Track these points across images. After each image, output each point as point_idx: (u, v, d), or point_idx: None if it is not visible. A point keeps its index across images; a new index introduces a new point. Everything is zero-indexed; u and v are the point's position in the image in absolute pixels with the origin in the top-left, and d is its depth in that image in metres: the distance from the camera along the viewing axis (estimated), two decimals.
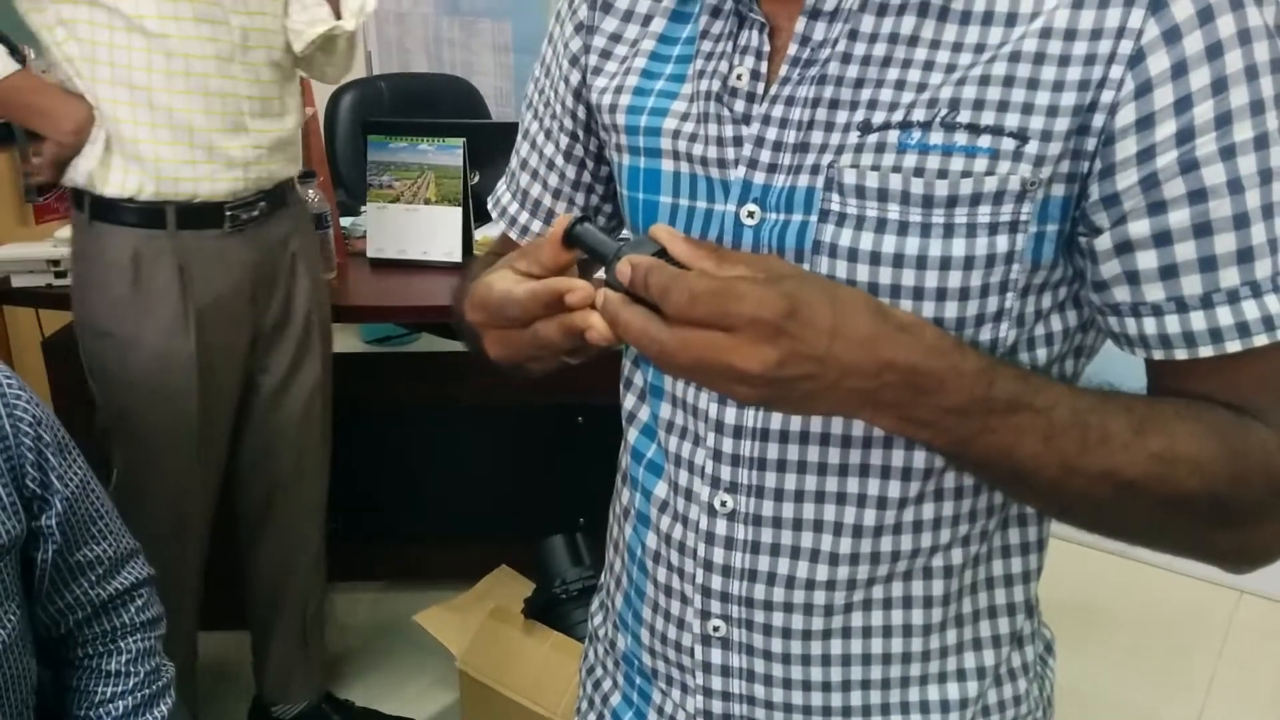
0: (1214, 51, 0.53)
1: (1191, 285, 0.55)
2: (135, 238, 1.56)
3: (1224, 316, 0.55)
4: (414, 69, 3.56)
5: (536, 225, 0.80)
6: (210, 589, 1.86)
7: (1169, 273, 0.56)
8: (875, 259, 0.58)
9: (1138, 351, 0.59)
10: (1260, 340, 0.55)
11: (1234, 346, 0.55)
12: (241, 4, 1.56)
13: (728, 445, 0.66)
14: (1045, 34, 0.55)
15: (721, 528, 0.67)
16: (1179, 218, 0.54)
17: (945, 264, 0.57)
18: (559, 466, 2.32)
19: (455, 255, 2.11)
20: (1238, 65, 0.53)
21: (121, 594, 1.07)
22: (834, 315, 0.50)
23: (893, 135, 0.58)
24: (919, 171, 0.57)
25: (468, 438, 2.28)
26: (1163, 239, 0.55)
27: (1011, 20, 0.57)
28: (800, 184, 0.60)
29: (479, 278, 0.64)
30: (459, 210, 2.12)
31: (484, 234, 2.24)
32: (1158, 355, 0.58)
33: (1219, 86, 0.53)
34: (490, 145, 2.31)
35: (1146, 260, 0.56)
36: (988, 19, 0.57)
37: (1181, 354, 0.57)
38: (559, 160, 0.77)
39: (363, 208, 2.31)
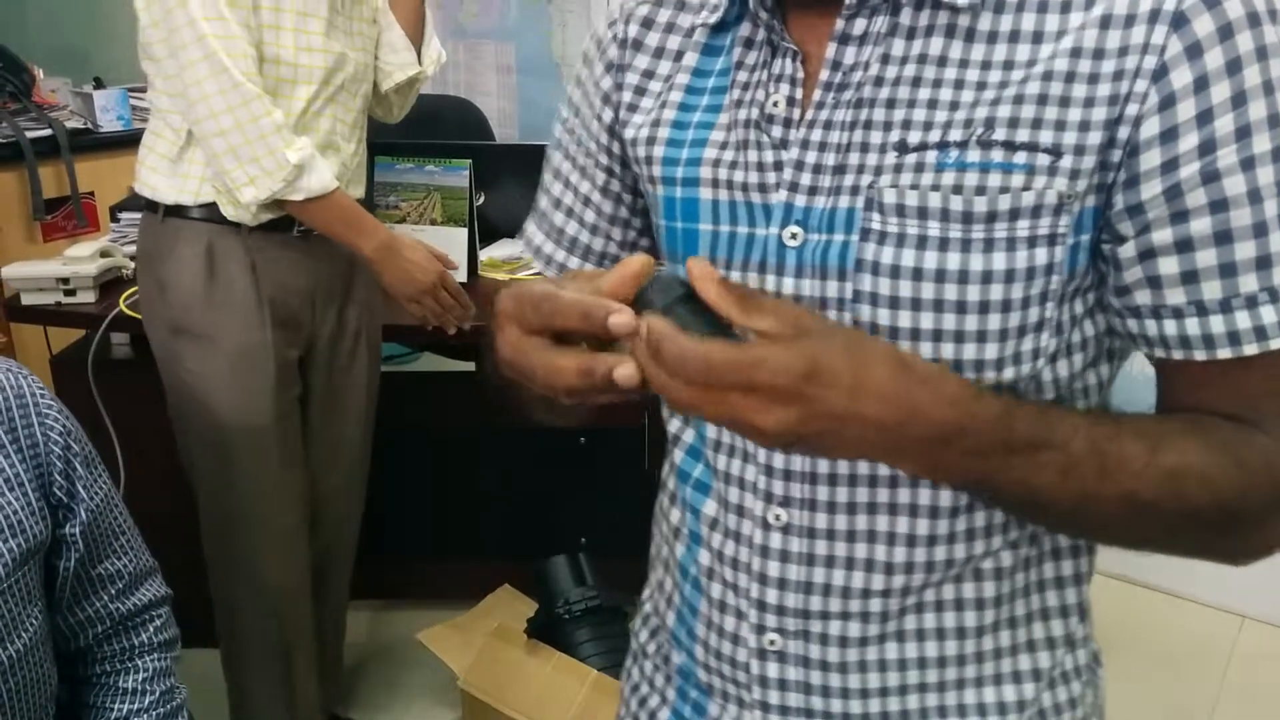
0: (1234, 67, 0.56)
1: (1211, 290, 0.58)
2: (209, 231, 1.61)
3: (1242, 320, 0.58)
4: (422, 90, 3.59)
5: (574, 262, 0.80)
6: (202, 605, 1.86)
7: (1190, 278, 0.58)
8: (918, 275, 0.60)
9: (1156, 351, 0.61)
10: (1276, 344, 0.57)
11: (1251, 349, 0.58)
12: (359, 42, 1.70)
13: (779, 460, 0.67)
14: (1075, 53, 0.58)
15: (776, 542, 0.68)
16: (1200, 226, 0.57)
17: (987, 278, 0.59)
18: (562, 487, 2.33)
19: (461, 275, 2.13)
20: (1256, 80, 0.56)
21: (140, 610, 1.08)
22: (854, 373, 0.51)
23: (930, 155, 0.60)
24: (957, 189, 0.59)
25: (470, 457, 2.29)
26: (1184, 246, 0.58)
27: (1038, 38, 0.59)
28: (841, 205, 0.62)
29: (505, 290, 0.63)
30: (465, 230, 2.14)
31: (489, 254, 2.26)
32: (1176, 356, 0.60)
33: (1239, 100, 0.56)
34: (496, 167, 2.33)
35: (1168, 266, 0.58)
36: (1014, 37, 0.60)
37: (1200, 355, 0.59)
38: (595, 196, 0.78)
39: None
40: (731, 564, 0.70)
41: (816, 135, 0.63)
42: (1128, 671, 2.27)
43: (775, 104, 0.65)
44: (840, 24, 0.63)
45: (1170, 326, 0.60)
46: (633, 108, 0.73)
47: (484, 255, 2.24)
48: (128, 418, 2.04)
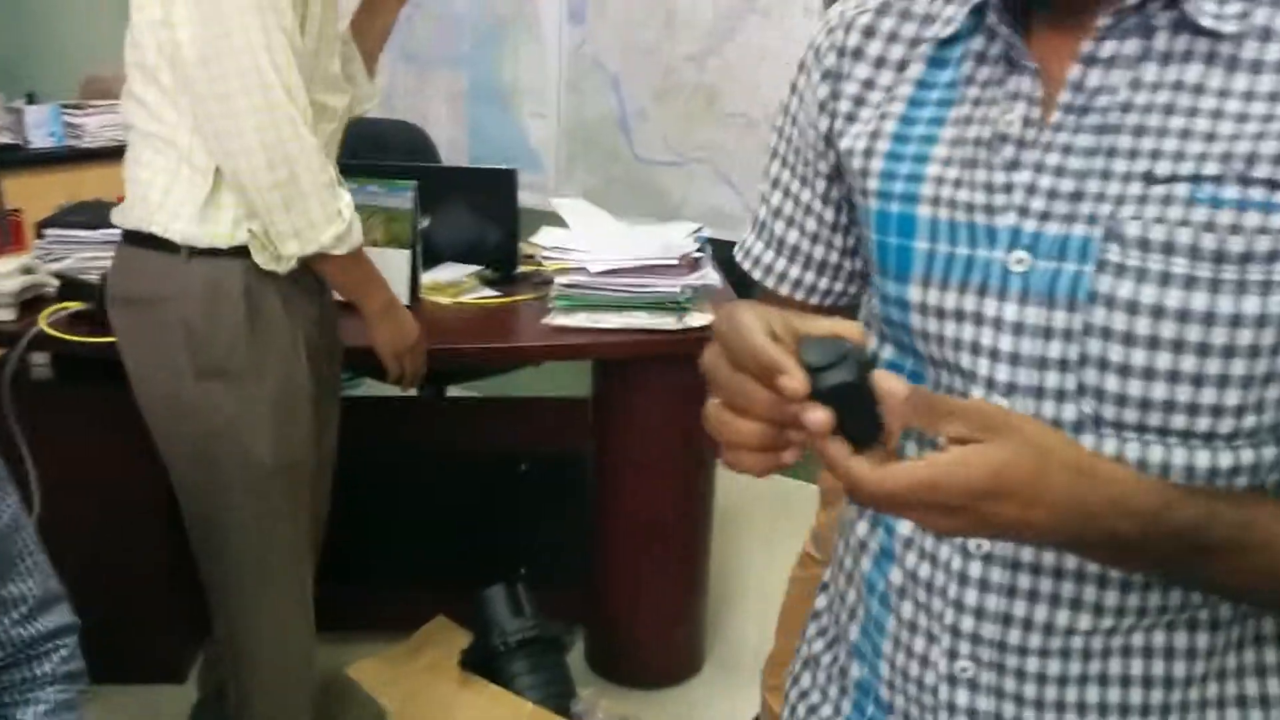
0: None
1: None
2: (245, 270, 1.52)
3: None
4: (366, 115, 3.55)
5: (795, 271, 0.79)
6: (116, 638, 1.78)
7: None
8: (1158, 313, 0.58)
9: None
10: None
11: None
12: (349, 84, 1.65)
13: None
14: None
15: (976, 570, 0.66)
16: None
17: (1236, 321, 0.57)
18: (501, 515, 2.28)
19: (403, 298, 2.09)
20: None
21: (44, 638, 1.03)
22: (1032, 485, 0.52)
23: (1181, 188, 0.57)
24: (1209, 226, 0.56)
25: (407, 484, 2.24)
26: None
27: None
28: (1075, 233, 0.60)
29: (736, 301, 0.62)
30: (407, 253, 2.11)
31: (433, 278, 2.23)
32: None
33: None
34: (442, 190, 2.30)
35: None
36: None
37: None
38: (816, 205, 0.77)
39: None
40: (926, 586, 0.68)
41: (1053, 159, 0.61)
42: None
43: (1010, 123, 0.63)
44: (1089, 45, 0.60)
45: None
46: (850, 118, 0.71)
47: (427, 279, 2.20)
48: (46, 440, 1.96)
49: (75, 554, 1.58)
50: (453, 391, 2.87)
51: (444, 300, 2.18)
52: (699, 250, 2.02)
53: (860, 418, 0.53)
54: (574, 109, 3.11)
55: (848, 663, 0.78)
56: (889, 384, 0.53)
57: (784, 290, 0.80)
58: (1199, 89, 0.58)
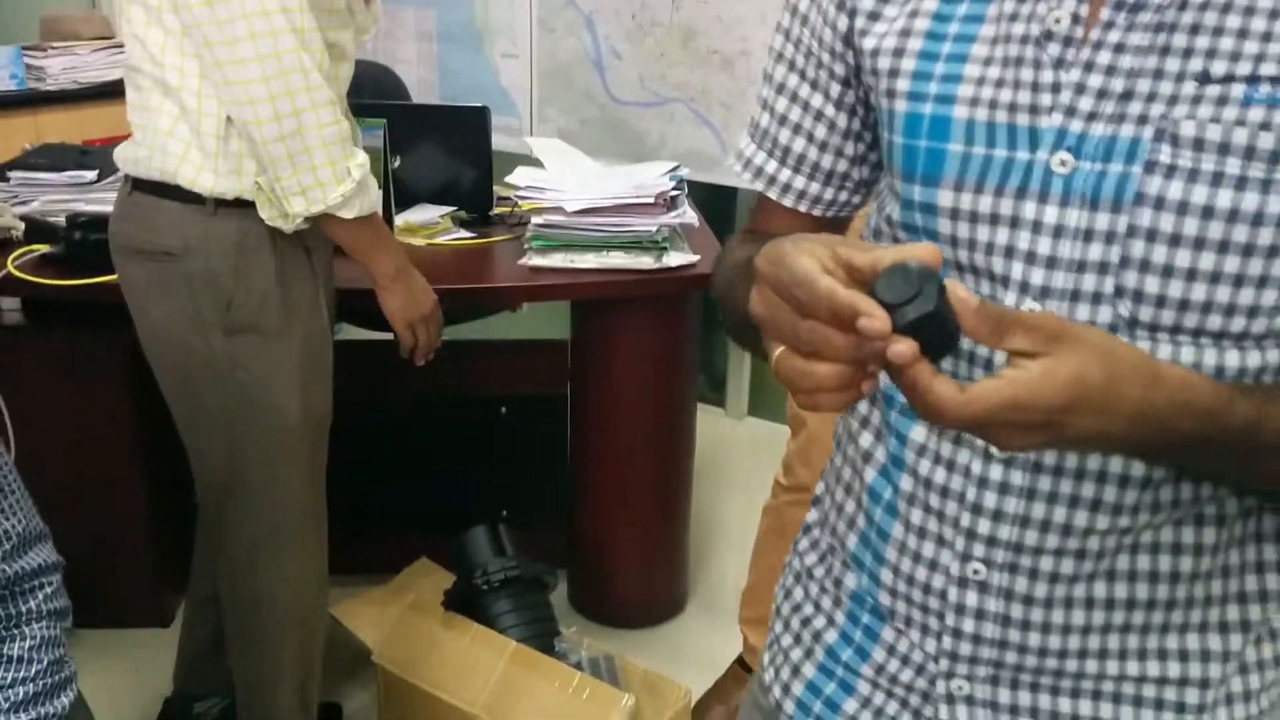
0: None
1: None
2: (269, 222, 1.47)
3: None
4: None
5: (800, 182, 0.77)
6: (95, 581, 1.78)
7: None
8: (1207, 213, 0.58)
9: None
10: None
11: None
12: (349, 15, 1.53)
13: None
14: None
15: (996, 473, 0.66)
16: None
17: None
18: (482, 458, 2.29)
19: None
20: None
21: (29, 575, 1.02)
22: (1105, 395, 0.52)
23: (1237, 88, 0.57)
24: (1266, 125, 0.57)
25: (388, 428, 2.23)
26: None
27: None
28: (1123, 133, 0.60)
29: (775, 241, 0.58)
30: (378, 194, 2.07)
31: (405, 219, 2.20)
32: None
33: None
34: (412, 129, 2.27)
35: None
36: None
37: None
38: (829, 110, 0.74)
39: None
40: (940, 491, 0.69)
41: (1104, 57, 0.60)
42: None
43: (1058, 20, 0.61)
44: None
45: None
46: (874, 15, 0.69)
47: (399, 220, 2.18)
48: (18, 385, 1.94)
49: (52, 498, 1.57)
50: None
51: (418, 242, 2.16)
52: (676, 189, 2.01)
53: (940, 337, 0.53)
54: (547, 49, 3.06)
55: (842, 573, 0.79)
56: (961, 293, 0.52)
57: (787, 201, 0.78)
58: None
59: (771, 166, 0.78)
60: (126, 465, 2.07)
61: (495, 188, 2.32)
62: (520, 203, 2.24)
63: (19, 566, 1.01)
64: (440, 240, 2.19)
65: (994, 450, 0.66)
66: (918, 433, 0.71)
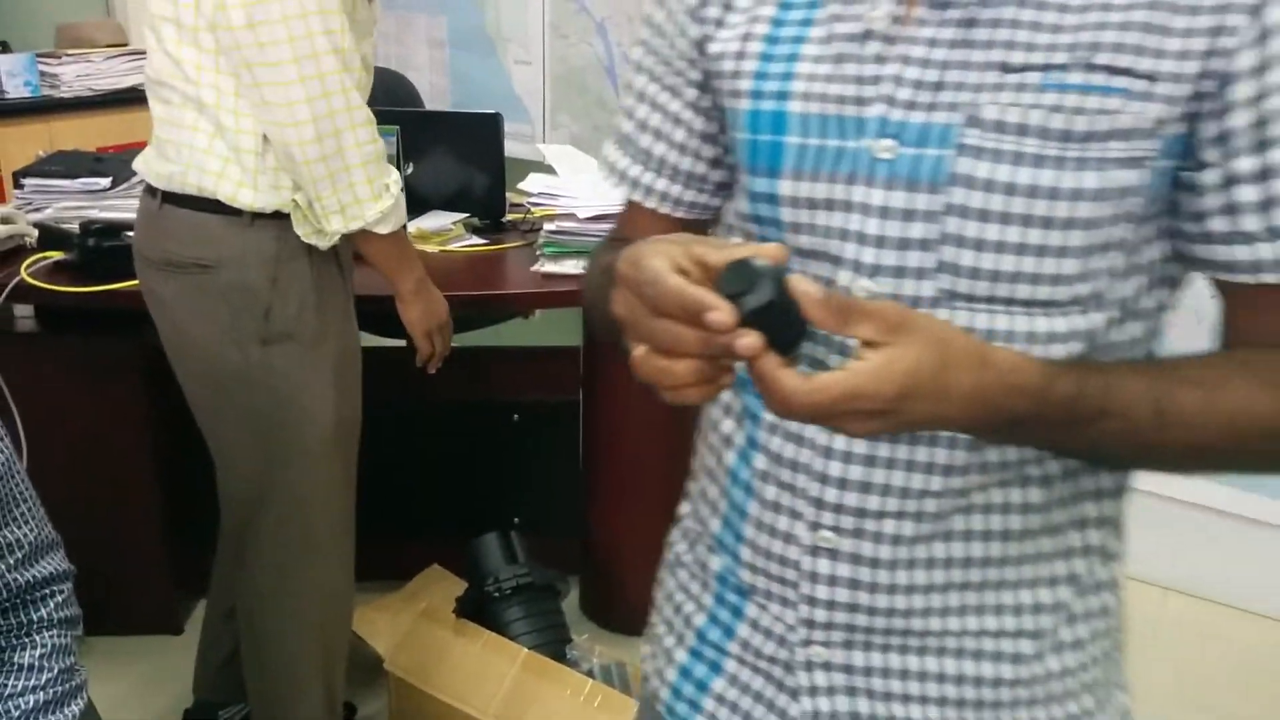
0: None
1: None
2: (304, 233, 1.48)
3: None
4: None
5: (662, 184, 0.81)
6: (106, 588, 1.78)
7: (1266, 205, 0.62)
8: (1011, 189, 0.63)
9: (1226, 276, 0.65)
10: None
11: None
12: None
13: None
14: None
15: (840, 444, 0.70)
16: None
17: (1077, 195, 0.63)
18: (493, 465, 2.28)
19: None
20: None
21: (40, 583, 1.02)
22: (941, 381, 0.57)
23: (1033, 76, 0.62)
24: (1057, 108, 0.62)
25: (400, 435, 2.23)
26: (1264, 175, 0.61)
27: None
28: (937, 120, 0.65)
29: (635, 244, 0.62)
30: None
31: (418, 226, 2.20)
32: (1247, 280, 0.64)
33: None
34: (425, 136, 2.27)
35: (1247, 194, 0.62)
36: None
37: (1270, 278, 0.63)
38: (686, 114, 0.79)
39: None
40: (791, 466, 0.73)
41: (917, 51, 0.65)
42: None
43: (876, 19, 0.67)
44: None
45: (1243, 251, 0.63)
46: (720, 23, 0.74)
47: (412, 227, 2.18)
48: (31, 392, 1.94)
49: (64, 505, 1.58)
50: None
51: (430, 249, 2.16)
52: None
53: (785, 328, 0.56)
54: (559, 55, 3.07)
55: (708, 557, 0.82)
56: (804, 287, 0.56)
57: (651, 204, 0.82)
58: None
59: (635, 171, 0.82)
60: (139, 472, 2.08)
61: (508, 194, 2.32)
62: (533, 209, 2.24)
63: (30, 575, 1.01)
64: (453, 247, 2.19)
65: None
66: (770, 413, 0.75)
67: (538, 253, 2.06)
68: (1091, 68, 0.61)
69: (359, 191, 1.42)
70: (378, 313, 1.69)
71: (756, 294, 0.54)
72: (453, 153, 2.30)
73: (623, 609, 2.28)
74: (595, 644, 1.94)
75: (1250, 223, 0.62)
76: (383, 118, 2.10)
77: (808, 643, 0.75)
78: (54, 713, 1.00)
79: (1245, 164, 0.61)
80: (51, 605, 1.03)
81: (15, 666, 1.00)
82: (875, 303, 0.57)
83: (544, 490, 2.29)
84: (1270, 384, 0.63)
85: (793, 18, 0.71)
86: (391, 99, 2.86)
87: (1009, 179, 0.63)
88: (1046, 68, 0.62)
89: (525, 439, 2.27)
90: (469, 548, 1.99)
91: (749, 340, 0.54)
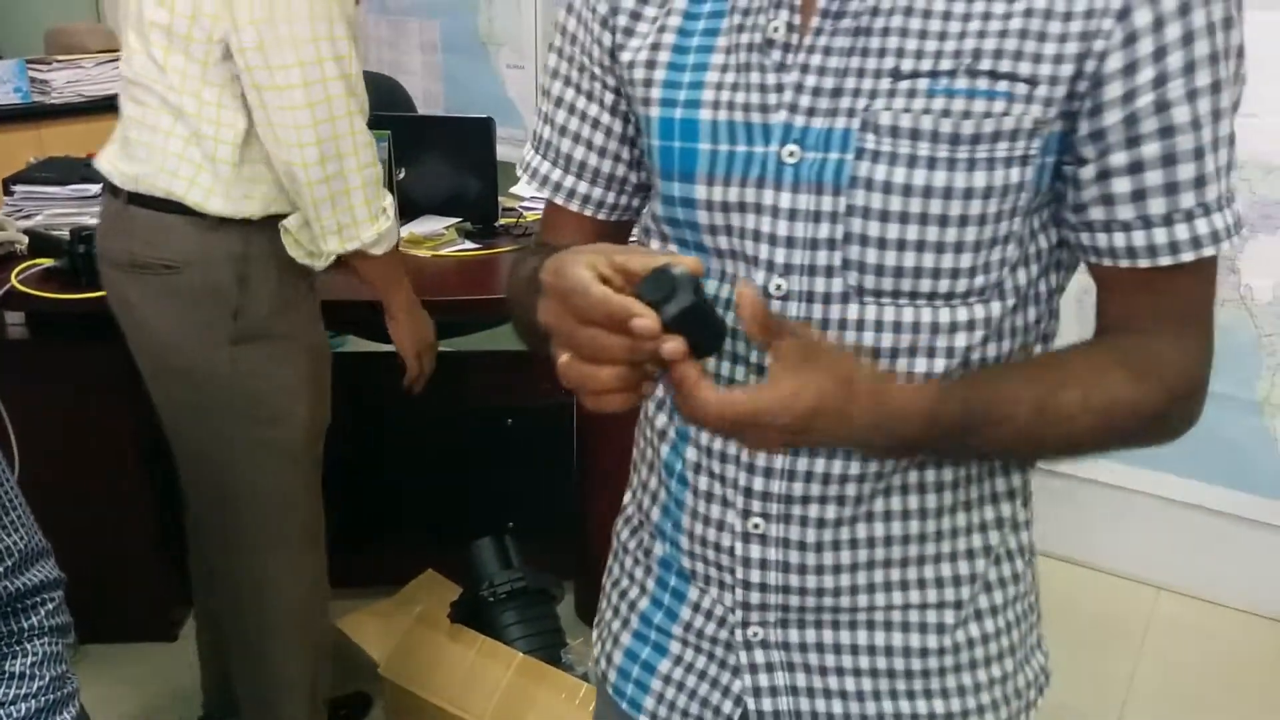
0: (1185, 8, 0.63)
1: (1157, 206, 0.66)
2: (272, 233, 1.48)
3: (1181, 232, 0.67)
4: None
5: (583, 187, 0.83)
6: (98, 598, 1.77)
7: (1139, 196, 0.66)
8: (907, 190, 0.66)
9: (1104, 261, 0.70)
10: (1208, 251, 0.67)
11: (1187, 256, 0.67)
12: None
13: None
14: None
15: None
16: (1150, 150, 0.65)
17: (968, 194, 0.66)
18: (487, 469, 2.28)
19: None
20: (1201, 21, 0.63)
21: (31, 591, 1.01)
22: (844, 407, 0.62)
23: (922, 82, 0.66)
24: (946, 113, 0.65)
25: (394, 440, 2.23)
26: (1136, 168, 0.66)
27: None
28: (837, 125, 0.68)
29: (557, 253, 0.64)
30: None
31: (410, 231, 2.20)
32: (1123, 264, 0.69)
33: (1187, 39, 0.63)
34: (417, 141, 2.27)
35: (1121, 186, 0.67)
36: None
37: (1144, 263, 0.68)
38: (605, 117, 0.81)
39: None
40: (720, 457, 0.77)
41: (815, 60, 0.68)
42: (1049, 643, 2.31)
43: (775, 29, 0.69)
44: None
45: (1119, 239, 0.68)
46: (629, 31, 0.76)
47: (404, 232, 2.18)
48: (22, 399, 1.94)
49: (55, 512, 1.57)
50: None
51: (423, 254, 2.16)
52: None
53: (705, 332, 0.59)
54: None
55: (651, 544, 0.86)
56: (747, 294, 0.60)
57: (574, 206, 0.84)
58: None
59: (556, 174, 0.84)
60: (130, 480, 2.07)
61: (500, 199, 2.32)
62: (525, 213, 2.24)
63: (20, 583, 1.00)
64: (445, 252, 2.19)
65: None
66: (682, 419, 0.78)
67: None
68: (975, 73, 0.65)
69: (357, 213, 1.44)
70: (366, 318, 1.68)
71: (677, 300, 0.57)
72: (445, 157, 2.30)
73: None
74: (590, 648, 1.93)
75: (1124, 212, 0.67)
76: (375, 123, 2.11)
77: (746, 624, 0.80)
78: None
79: (1118, 158, 0.66)
80: (42, 613, 1.02)
81: (6, 674, 0.99)
82: (798, 327, 0.64)
83: (538, 495, 2.29)
84: (1140, 375, 0.69)
85: (699, 28, 0.73)
86: (384, 104, 2.86)
87: (905, 180, 0.66)
88: (934, 74, 0.65)
89: (519, 443, 2.27)
90: (464, 552, 1.98)
91: (674, 345, 0.57)
